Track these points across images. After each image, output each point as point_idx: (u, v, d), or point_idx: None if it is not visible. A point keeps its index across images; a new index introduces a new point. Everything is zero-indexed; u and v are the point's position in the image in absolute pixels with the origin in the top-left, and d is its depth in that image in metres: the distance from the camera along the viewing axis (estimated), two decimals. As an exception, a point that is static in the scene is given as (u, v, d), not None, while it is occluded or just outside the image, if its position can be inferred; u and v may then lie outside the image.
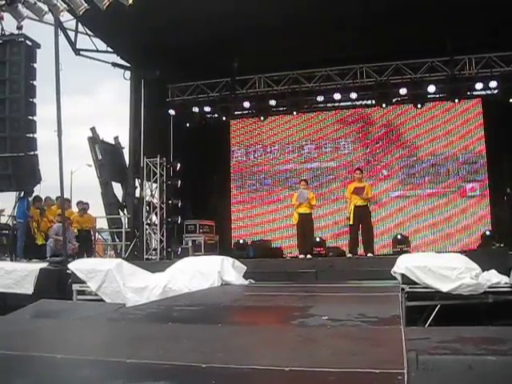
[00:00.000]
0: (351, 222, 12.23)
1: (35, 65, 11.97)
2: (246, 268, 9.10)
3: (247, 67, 16.11)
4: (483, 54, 15.14)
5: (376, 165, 17.92)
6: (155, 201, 16.51)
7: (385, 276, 8.09)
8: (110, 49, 15.67)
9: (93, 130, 16.82)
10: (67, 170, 30.70)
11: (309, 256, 12.30)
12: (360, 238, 12.31)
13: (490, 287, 6.98)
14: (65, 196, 12.29)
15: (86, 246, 14.05)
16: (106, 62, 16.00)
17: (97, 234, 16.57)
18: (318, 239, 15.85)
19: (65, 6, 10.19)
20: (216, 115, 18.63)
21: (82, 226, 14.06)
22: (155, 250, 16.17)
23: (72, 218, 13.65)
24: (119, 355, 3.28)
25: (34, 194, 12.84)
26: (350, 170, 17.36)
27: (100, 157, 16.79)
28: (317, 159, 18.47)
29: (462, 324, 4.99)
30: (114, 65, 16.14)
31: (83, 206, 14.43)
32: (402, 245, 15.69)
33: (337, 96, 16.91)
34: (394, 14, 12.83)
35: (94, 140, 16.83)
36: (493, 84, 15.82)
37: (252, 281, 8.77)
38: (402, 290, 7.13)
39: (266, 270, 10.13)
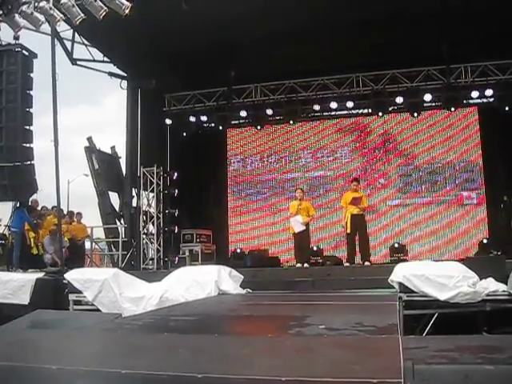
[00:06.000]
0: (348, 231, 12.20)
1: (32, 74, 11.96)
2: (243, 277, 9.08)
3: (244, 76, 16.14)
4: (479, 63, 15.21)
5: (373, 173, 17.94)
6: (152, 210, 16.46)
7: (382, 285, 8.07)
8: (106, 58, 15.69)
9: (89, 139, 16.81)
10: (64, 180, 30.66)
11: (306, 265, 12.28)
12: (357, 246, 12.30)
13: (487, 295, 6.96)
14: (61, 206, 12.27)
15: (77, 256, 14.01)
16: (102, 71, 16.05)
17: (93, 243, 16.56)
18: (315, 248, 15.83)
19: (61, 15, 10.17)
20: (213, 124, 18.67)
21: (72, 236, 14.11)
22: (152, 259, 16.10)
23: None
24: (115, 366, 3.25)
25: (29, 204, 12.81)
26: (347, 178, 17.43)
27: (97, 166, 16.77)
28: (314, 168, 18.48)
29: (459, 332, 4.97)
30: (111, 74, 16.16)
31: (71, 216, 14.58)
32: (399, 253, 15.69)
33: (333, 105, 17.01)
34: (390, 23, 12.90)
35: (91, 150, 16.81)
36: (489, 92, 15.91)
37: (249, 290, 8.74)
38: (400, 298, 7.11)
39: (263, 279, 10.12)
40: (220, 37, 13.23)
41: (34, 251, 12.71)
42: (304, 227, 12.28)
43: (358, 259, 12.24)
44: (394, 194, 17.71)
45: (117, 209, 16.96)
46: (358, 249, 12.24)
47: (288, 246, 16.07)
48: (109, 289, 7.82)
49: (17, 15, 10.27)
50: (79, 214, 15.00)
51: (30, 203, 13.14)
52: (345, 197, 12.58)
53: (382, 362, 3.14)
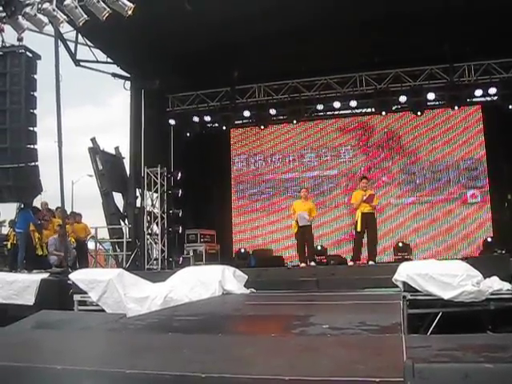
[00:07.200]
0: (358, 229, 12.11)
1: (35, 76, 11.98)
2: (247, 277, 9.09)
3: (247, 76, 16.16)
4: (482, 61, 15.20)
5: (376, 172, 17.92)
6: (156, 210, 16.52)
7: (386, 284, 8.07)
8: (109, 59, 15.72)
9: (93, 140, 16.82)
10: (68, 181, 30.78)
11: (312, 263, 12.27)
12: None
13: (491, 294, 6.94)
14: (65, 207, 12.31)
15: (80, 256, 14.02)
16: (106, 72, 16.08)
17: (98, 244, 16.59)
18: (319, 247, 15.82)
19: (65, 17, 10.18)
20: (216, 124, 18.70)
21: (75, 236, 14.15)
22: (156, 259, 16.15)
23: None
24: (119, 366, 3.26)
25: (33, 205, 12.84)
26: (351, 177, 17.47)
27: (101, 167, 16.78)
28: (317, 167, 18.48)
29: (463, 331, 4.97)
30: (114, 75, 16.19)
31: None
32: (403, 252, 15.69)
33: (336, 104, 17.03)
34: (391, 23, 12.88)
35: (95, 150, 16.83)
36: (492, 90, 15.90)
37: (253, 290, 8.75)
38: (404, 297, 7.10)
39: (267, 279, 10.12)
40: (223, 37, 13.24)
41: (39, 252, 12.74)
42: (309, 222, 12.31)
43: (364, 256, 12.24)
44: (396, 193, 17.68)
45: (121, 209, 16.98)
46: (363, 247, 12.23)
47: (292, 245, 16.04)
48: (113, 289, 7.84)
49: (20, 17, 10.28)
50: (79, 214, 14.99)
51: (40, 206, 13.22)
52: (355, 195, 12.47)
53: (386, 361, 3.14)
